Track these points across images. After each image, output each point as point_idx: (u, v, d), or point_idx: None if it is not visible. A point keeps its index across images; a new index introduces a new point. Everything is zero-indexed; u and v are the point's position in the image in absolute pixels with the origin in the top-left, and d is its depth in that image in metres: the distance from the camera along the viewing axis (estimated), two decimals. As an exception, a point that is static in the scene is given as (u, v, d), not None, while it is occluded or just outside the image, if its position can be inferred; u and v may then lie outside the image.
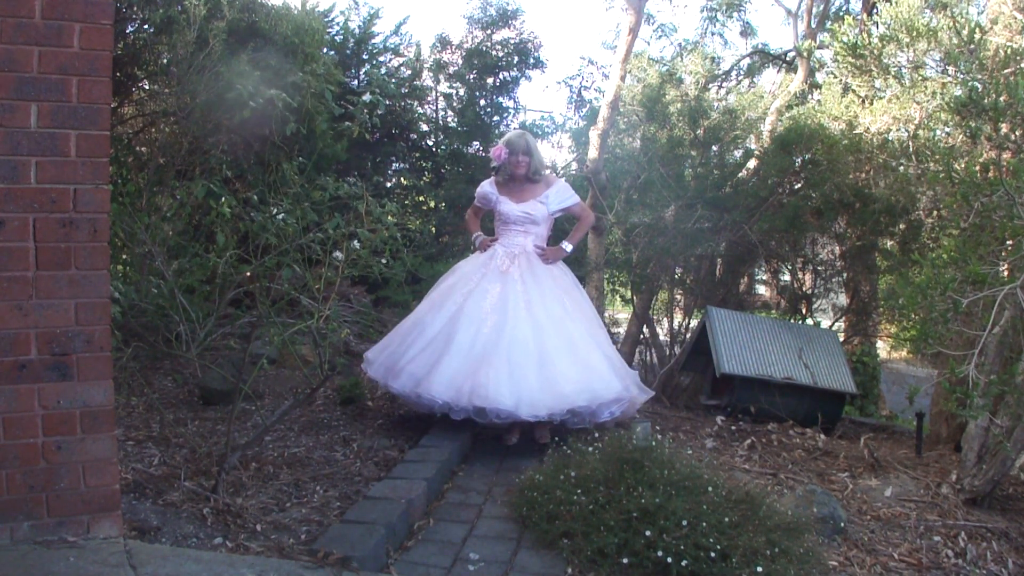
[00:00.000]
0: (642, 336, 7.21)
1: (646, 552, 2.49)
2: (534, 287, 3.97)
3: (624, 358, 4.60)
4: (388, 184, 8.47)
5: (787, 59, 11.75)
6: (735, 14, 12.35)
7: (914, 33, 4.37)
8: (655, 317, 7.57)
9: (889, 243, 6.08)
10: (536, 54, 8.98)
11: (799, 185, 6.29)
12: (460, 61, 8.88)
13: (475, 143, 8.57)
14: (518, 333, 3.79)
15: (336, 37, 7.77)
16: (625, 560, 2.50)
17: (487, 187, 4.24)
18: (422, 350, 3.84)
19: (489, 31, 8.96)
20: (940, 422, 4.72)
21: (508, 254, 4.07)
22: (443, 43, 9.06)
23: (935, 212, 4.78)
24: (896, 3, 4.58)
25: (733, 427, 4.65)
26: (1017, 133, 3.60)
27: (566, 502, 2.78)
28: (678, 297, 7.37)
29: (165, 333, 3.84)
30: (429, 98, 8.83)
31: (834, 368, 5.09)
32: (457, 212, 7.96)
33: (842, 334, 6.82)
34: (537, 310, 3.90)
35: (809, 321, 6.76)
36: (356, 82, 7.84)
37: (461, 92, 8.80)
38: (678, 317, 7.19)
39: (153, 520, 2.51)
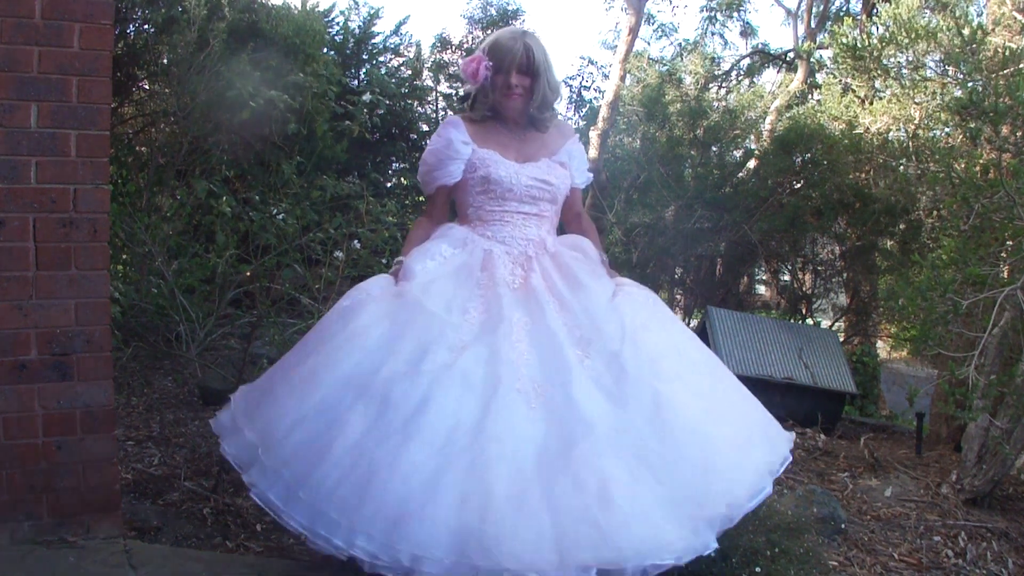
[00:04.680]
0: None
1: (646, 552, 2.48)
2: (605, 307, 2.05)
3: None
4: (388, 184, 8.47)
5: (787, 59, 11.77)
6: (735, 14, 12.40)
7: (914, 34, 4.37)
8: (655, 317, 7.56)
9: (889, 243, 6.09)
10: (536, 54, 8.98)
11: (799, 185, 6.30)
12: (460, 61, 8.88)
13: (475, 143, 8.57)
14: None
15: (336, 37, 7.76)
16: (625, 560, 2.49)
17: (451, 132, 2.28)
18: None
19: (489, 31, 8.97)
20: (940, 422, 4.71)
21: (515, 256, 2.16)
22: (443, 43, 9.07)
23: (935, 212, 4.78)
24: (896, 4, 4.58)
25: (733, 427, 4.64)
26: (1017, 135, 3.60)
27: (566, 502, 2.77)
28: (678, 297, 7.37)
29: (165, 333, 3.83)
30: (429, 98, 8.83)
31: (834, 368, 5.08)
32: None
33: (842, 334, 6.82)
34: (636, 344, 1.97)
35: (809, 321, 6.76)
36: (356, 82, 7.84)
37: (461, 92, 8.80)
38: (678, 317, 7.18)
39: (153, 520, 2.50)
